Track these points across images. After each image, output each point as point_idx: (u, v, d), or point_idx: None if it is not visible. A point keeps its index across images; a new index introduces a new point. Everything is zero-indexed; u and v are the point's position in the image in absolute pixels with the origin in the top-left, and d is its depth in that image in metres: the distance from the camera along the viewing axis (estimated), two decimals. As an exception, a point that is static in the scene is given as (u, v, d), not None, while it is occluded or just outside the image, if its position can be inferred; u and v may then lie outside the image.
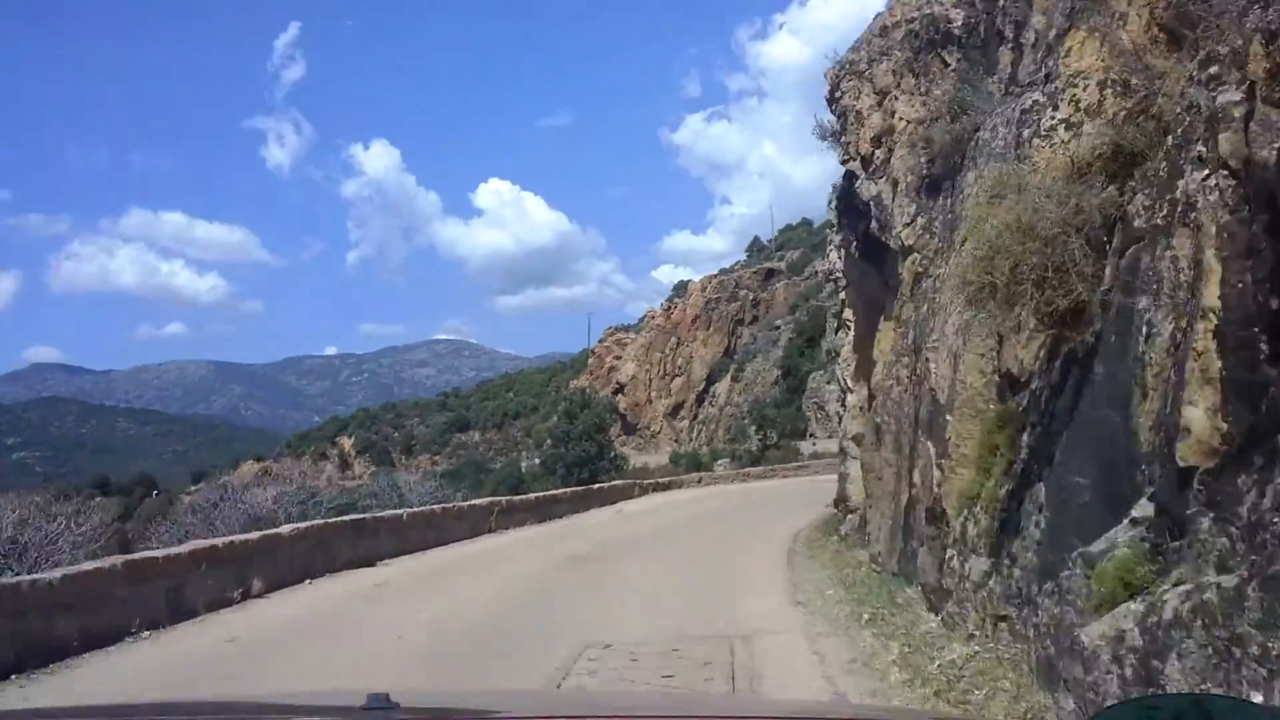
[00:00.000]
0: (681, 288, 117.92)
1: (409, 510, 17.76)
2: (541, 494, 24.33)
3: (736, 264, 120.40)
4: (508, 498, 21.94)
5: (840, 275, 17.62)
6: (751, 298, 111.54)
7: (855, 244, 15.36)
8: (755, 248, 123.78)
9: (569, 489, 27.26)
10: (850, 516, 16.65)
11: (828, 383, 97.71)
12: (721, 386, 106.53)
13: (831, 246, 18.61)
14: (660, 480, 33.05)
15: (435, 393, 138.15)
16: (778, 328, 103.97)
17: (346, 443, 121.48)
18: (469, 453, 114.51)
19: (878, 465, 13.44)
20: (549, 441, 42.88)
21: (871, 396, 16.36)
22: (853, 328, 17.05)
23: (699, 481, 34.32)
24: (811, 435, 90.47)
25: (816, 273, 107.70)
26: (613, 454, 38.50)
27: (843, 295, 17.60)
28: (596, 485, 28.42)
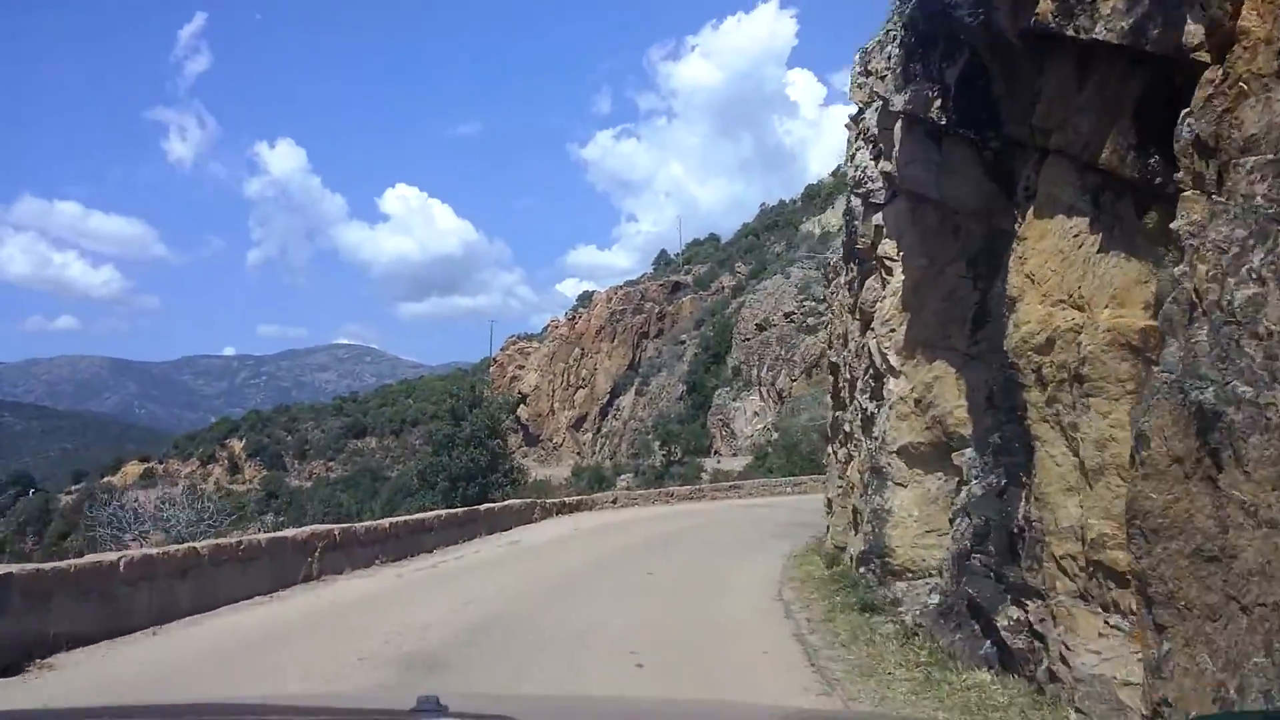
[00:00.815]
0: (586, 298, 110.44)
1: (127, 557, 9.27)
2: (399, 519, 16.27)
3: (643, 276, 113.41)
4: (343, 526, 13.97)
5: (877, 183, 10.28)
6: (657, 311, 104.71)
7: (943, 101, 8.01)
8: (662, 261, 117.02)
9: (446, 511, 19.37)
10: (899, 585, 9.28)
11: (734, 400, 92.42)
12: (626, 400, 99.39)
13: (859, 143, 11.14)
14: (567, 500, 25.47)
15: (334, 397, 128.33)
16: (683, 342, 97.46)
17: (237, 445, 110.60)
18: (365, 460, 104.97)
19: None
20: (429, 448, 34.79)
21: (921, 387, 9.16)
22: (900, 271, 9.76)
23: (613, 502, 26.87)
24: (716, 453, 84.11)
25: (724, 288, 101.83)
26: (509, 465, 30.84)
27: (879, 219, 10.28)
28: (485, 506, 20.67)
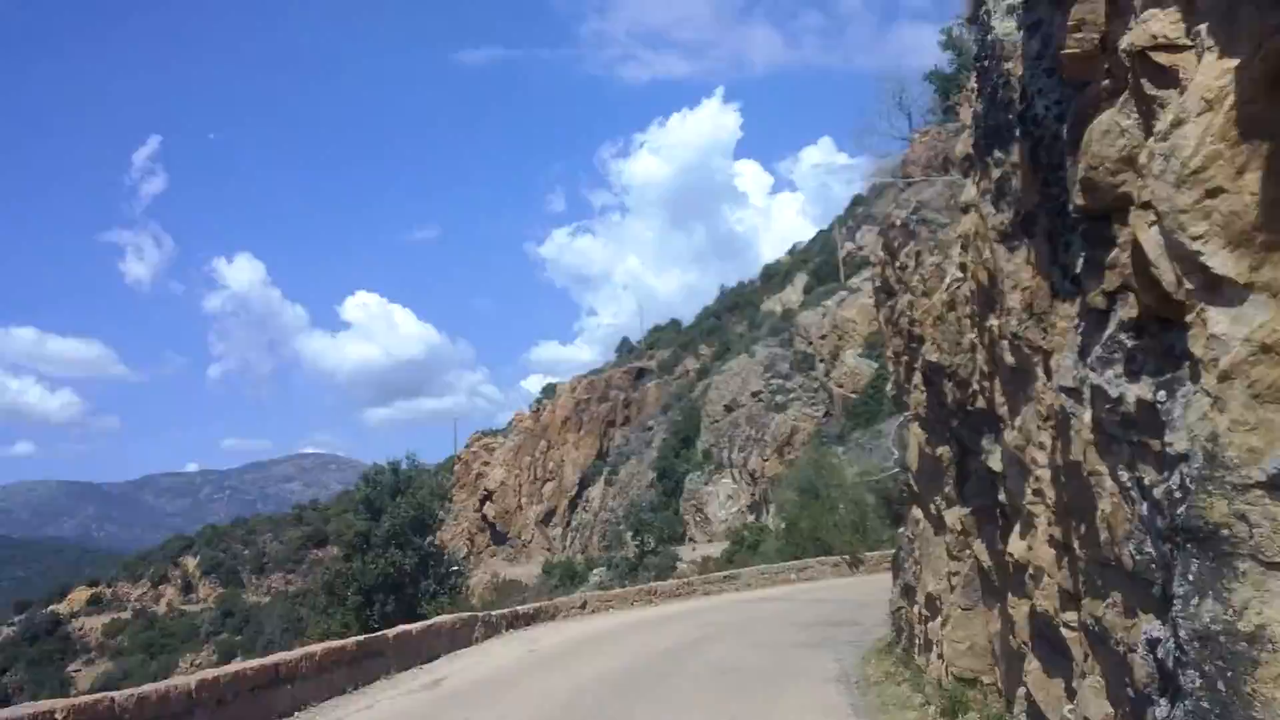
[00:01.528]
0: (550, 390, 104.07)
1: None
2: (227, 671, 9.59)
3: (607, 365, 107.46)
4: (94, 698, 7.49)
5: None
6: (623, 398, 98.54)
7: None
8: (625, 348, 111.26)
9: (324, 645, 12.58)
10: None
11: (706, 484, 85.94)
12: (595, 490, 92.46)
13: None
14: (521, 610, 18.55)
15: (292, 506, 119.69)
16: (651, 428, 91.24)
17: (190, 563, 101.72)
18: (326, 570, 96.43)
19: None
20: (340, 550, 27.78)
21: None
22: (1209, 68, 3.72)
23: (582, 607, 20.05)
24: (691, 540, 77.54)
25: (688, 371, 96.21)
26: (446, 569, 24.06)
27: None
28: (397, 630, 13.92)
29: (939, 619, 8.76)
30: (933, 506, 9.25)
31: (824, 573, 27.39)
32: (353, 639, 12.61)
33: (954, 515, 8.56)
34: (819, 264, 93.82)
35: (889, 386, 12.56)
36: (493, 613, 17.35)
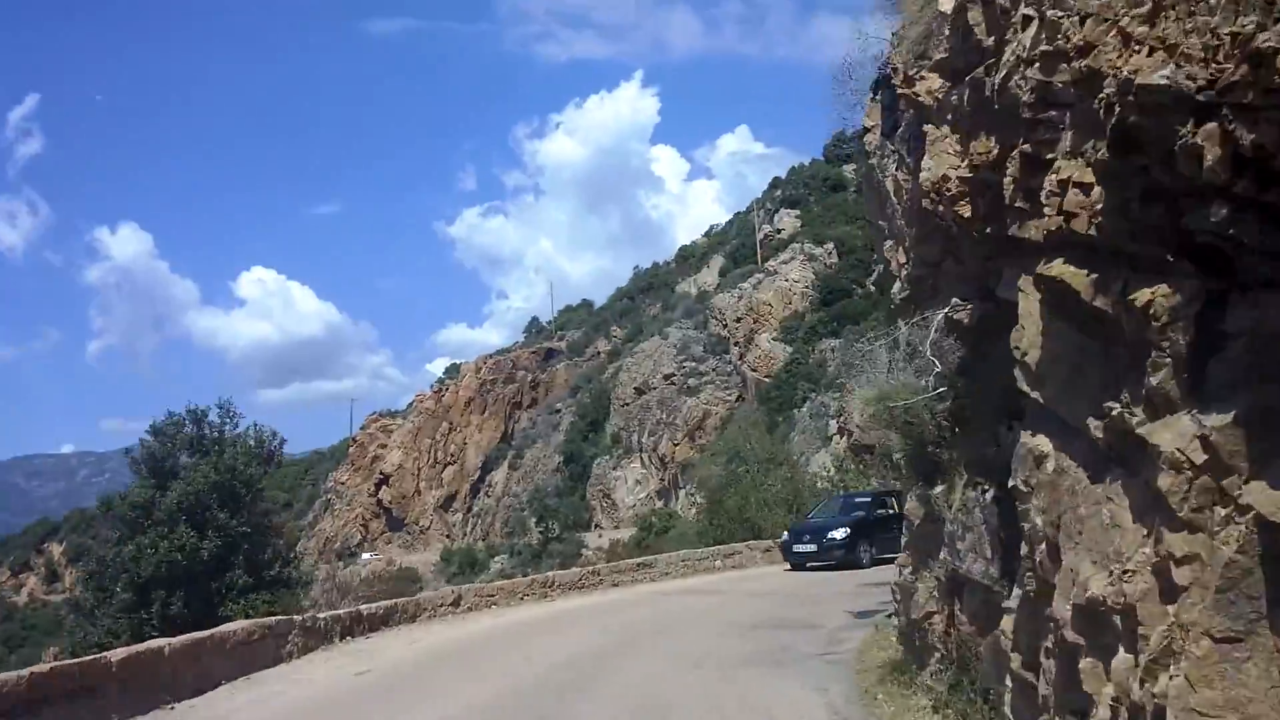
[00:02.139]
0: (454, 370, 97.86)
1: None
2: None
3: (515, 345, 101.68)
4: None
5: None
6: (530, 379, 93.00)
7: None
8: (534, 329, 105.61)
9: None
10: None
11: (614, 469, 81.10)
12: (498, 475, 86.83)
13: None
14: (367, 611, 12.66)
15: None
16: (559, 411, 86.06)
17: (56, 549, 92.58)
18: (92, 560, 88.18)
19: None
20: (112, 532, 21.07)
21: None
22: None
23: (455, 604, 14.33)
24: (598, 526, 72.86)
25: (599, 353, 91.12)
26: (271, 553, 18.34)
27: None
28: (123, 653, 8.53)
29: (1134, 654, 3.85)
30: (1093, 424, 4.33)
31: (754, 559, 22.65)
32: (31, 670, 7.21)
33: (1180, 432, 3.66)
34: (735, 247, 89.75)
35: (899, 271, 7.36)
36: (321, 615, 11.92)
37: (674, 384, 76.21)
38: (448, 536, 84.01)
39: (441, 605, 14.09)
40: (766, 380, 70.76)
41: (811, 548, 20.41)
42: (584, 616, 13.86)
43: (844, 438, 59.53)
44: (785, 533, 21.72)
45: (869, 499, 22.04)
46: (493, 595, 15.39)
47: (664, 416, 75.31)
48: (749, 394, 72.04)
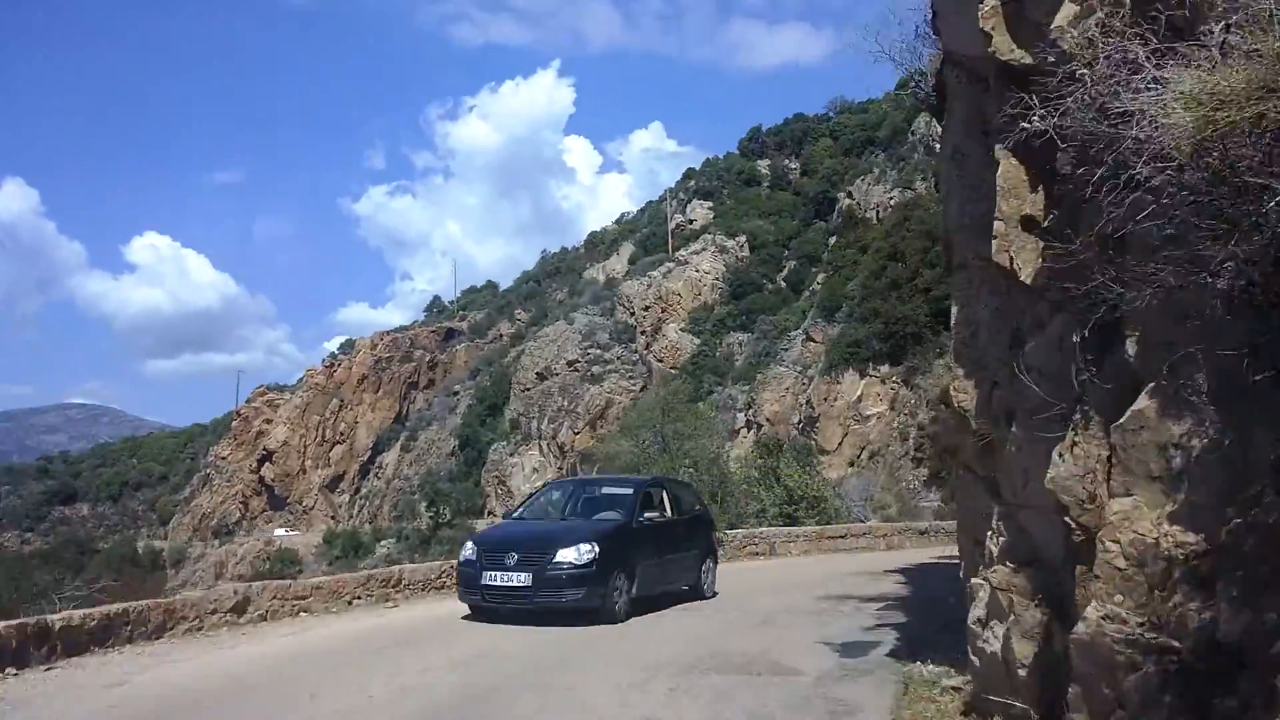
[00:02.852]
0: (350, 346, 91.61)
1: None
2: None
3: (414, 323, 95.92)
4: None
5: None
6: (429, 359, 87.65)
7: None
8: (436, 308, 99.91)
9: None
10: None
11: (511, 455, 76.50)
12: (389, 456, 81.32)
13: None
14: (76, 620, 8.04)
15: (38, 458, 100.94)
16: (456, 393, 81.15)
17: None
18: (71, 529, 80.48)
19: None
20: None
21: None
22: None
23: (237, 612, 9.30)
24: (491, 514, 68.34)
25: (502, 335, 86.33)
26: None
27: None
28: None
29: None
30: None
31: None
32: None
33: None
34: (646, 235, 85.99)
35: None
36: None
37: (577, 371, 72.29)
38: (332, 518, 78.19)
39: (215, 612, 9.45)
40: (672, 371, 67.17)
41: (519, 579, 10.32)
42: (431, 639, 9.46)
43: (751, 431, 56.56)
44: (468, 545, 11.48)
45: (629, 490, 12.44)
46: (304, 597, 10.68)
47: (565, 404, 71.32)
48: (653, 384, 68.35)
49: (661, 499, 12.60)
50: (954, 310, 6.56)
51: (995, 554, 4.98)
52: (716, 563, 13.63)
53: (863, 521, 24.02)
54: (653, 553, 11.56)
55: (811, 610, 11.37)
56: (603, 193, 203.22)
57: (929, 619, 9.98)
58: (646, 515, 11.81)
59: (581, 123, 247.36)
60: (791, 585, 14.35)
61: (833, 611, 11.35)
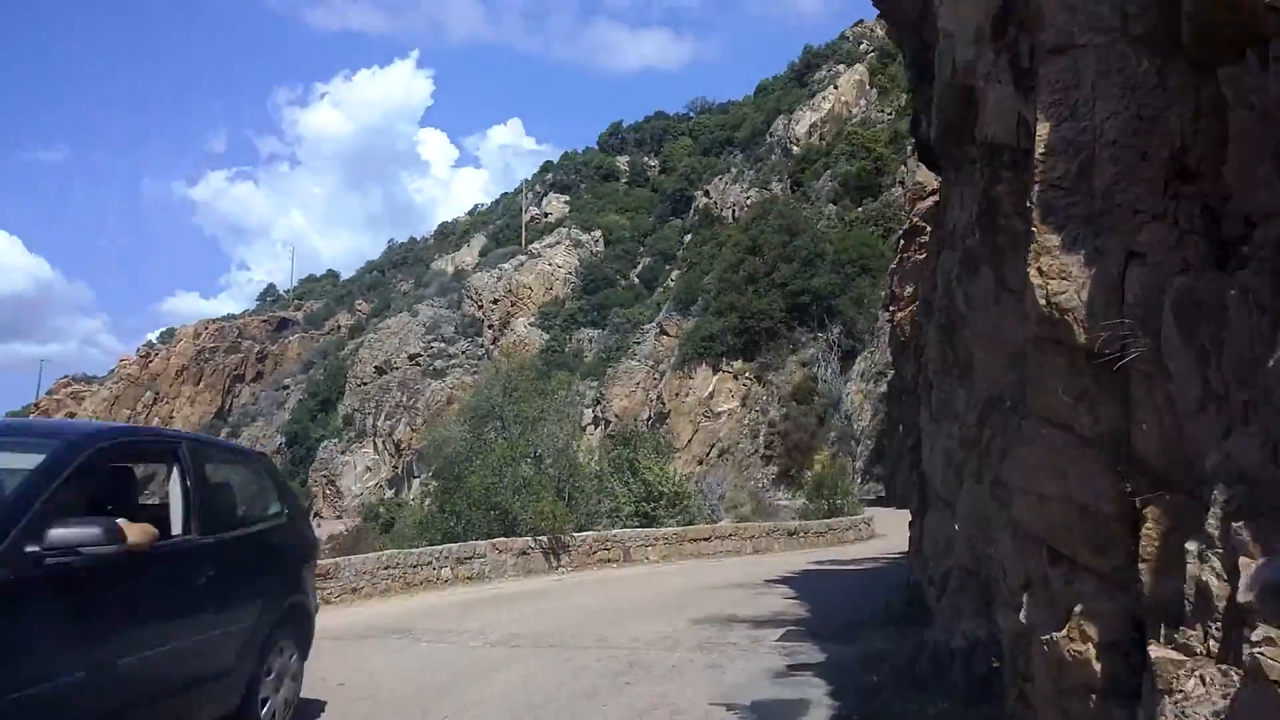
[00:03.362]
0: (170, 335, 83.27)
1: None
2: None
3: (245, 312, 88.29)
4: None
5: None
6: (258, 350, 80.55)
7: None
8: (270, 296, 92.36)
9: None
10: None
11: (342, 453, 70.74)
12: (208, 453, 73.65)
13: None
14: None
15: None
16: (286, 387, 74.71)
17: None
18: None
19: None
20: None
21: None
22: None
23: None
24: (318, 515, 62.73)
25: (340, 326, 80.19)
26: None
27: None
28: None
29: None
30: None
31: (503, 568, 14.95)
32: None
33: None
34: (500, 228, 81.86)
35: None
36: None
37: (419, 365, 67.59)
38: (141, 520, 70.25)
39: None
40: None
41: None
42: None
43: (599, 428, 53.40)
44: None
45: (27, 461, 4.18)
46: None
47: (404, 399, 66.51)
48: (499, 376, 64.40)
49: (149, 490, 6.79)
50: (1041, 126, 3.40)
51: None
52: (307, 646, 6.03)
53: (713, 522, 21.02)
54: (91, 642, 4.03)
55: (693, 644, 7.97)
56: (457, 187, 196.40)
57: (863, 658, 6.78)
58: (74, 533, 3.81)
59: (439, 115, 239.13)
60: (657, 604, 10.99)
61: (720, 644, 7.99)
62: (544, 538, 15.82)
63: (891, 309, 34.55)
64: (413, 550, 14.49)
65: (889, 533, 20.88)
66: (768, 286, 42.82)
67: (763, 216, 48.67)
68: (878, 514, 22.83)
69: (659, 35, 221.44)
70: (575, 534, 16.33)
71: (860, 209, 48.31)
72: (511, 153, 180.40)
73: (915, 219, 31.73)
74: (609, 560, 16.78)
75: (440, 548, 14.72)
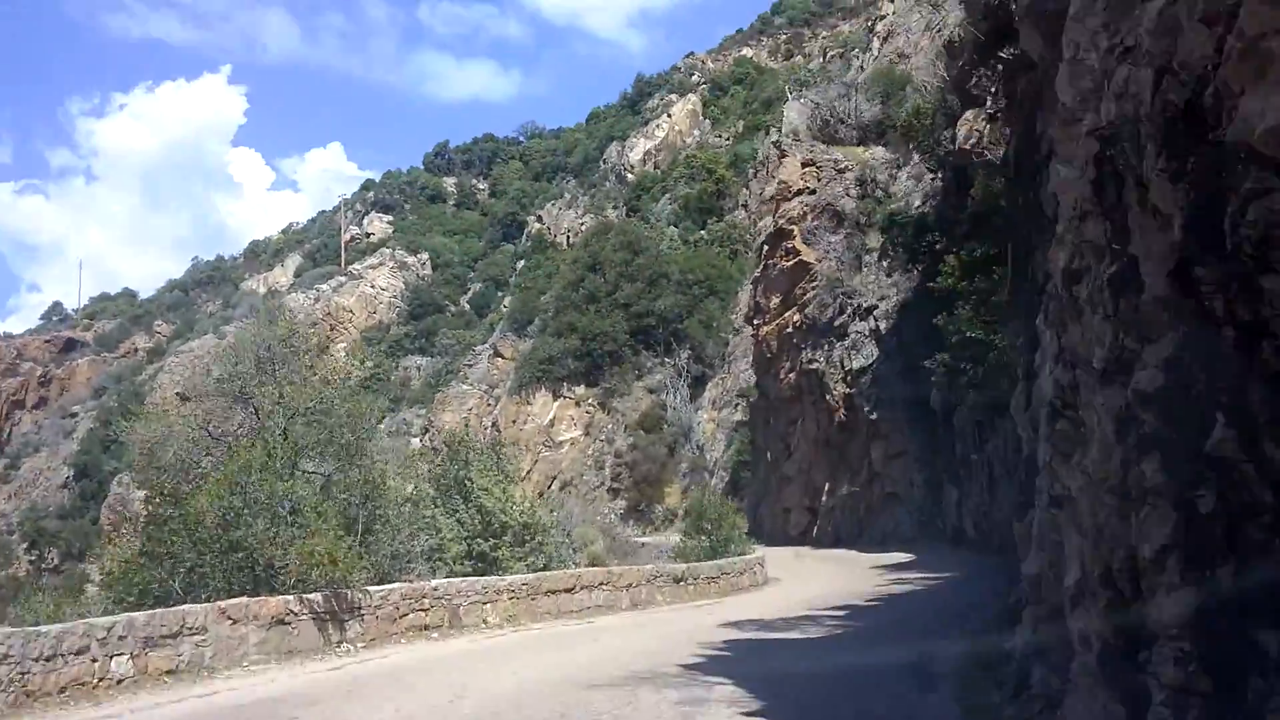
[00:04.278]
0: (-68, 357, 72.94)
1: None
2: None
3: (25, 332, 78.62)
4: None
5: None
6: (41, 374, 71.81)
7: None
8: (56, 315, 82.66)
9: None
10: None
11: (137, 488, 63.66)
12: (-21, 489, 64.95)
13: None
14: None
15: None
16: (75, 415, 66.75)
17: None
18: None
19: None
20: None
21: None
22: None
23: None
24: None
25: (136, 349, 72.38)
26: None
27: None
28: None
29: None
30: None
31: (238, 650, 9.52)
32: None
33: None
34: (316, 248, 76.60)
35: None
36: None
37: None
38: (-109, 568, 60.34)
39: None
40: (341, 393, 58.79)
41: None
42: None
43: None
44: None
45: None
46: None
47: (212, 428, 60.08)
48: (319, 407, 59.64)
49: None
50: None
51: None
52: None
53: (569, 566, 17.87)
54: None
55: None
56: (274, 211, 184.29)
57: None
58: None
59: (253, 135, 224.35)
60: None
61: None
62: (317, 596, 10.59)
63: (755, 322, 33.17)
64: (41, 630, 8.02)
65: (782, 576, 18.93)
66: (610, 306, 40.90)
67: (602, 234, 46.95)
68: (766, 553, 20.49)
69: (487, 65, 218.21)
70: (371, 588, 11.32)
71: (704, 230, 47.33)
72: (332, 177, 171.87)
73: (782, 222, 30.16)
74: (426, 627, 11.87)
75: (111, 620, 8.64)
